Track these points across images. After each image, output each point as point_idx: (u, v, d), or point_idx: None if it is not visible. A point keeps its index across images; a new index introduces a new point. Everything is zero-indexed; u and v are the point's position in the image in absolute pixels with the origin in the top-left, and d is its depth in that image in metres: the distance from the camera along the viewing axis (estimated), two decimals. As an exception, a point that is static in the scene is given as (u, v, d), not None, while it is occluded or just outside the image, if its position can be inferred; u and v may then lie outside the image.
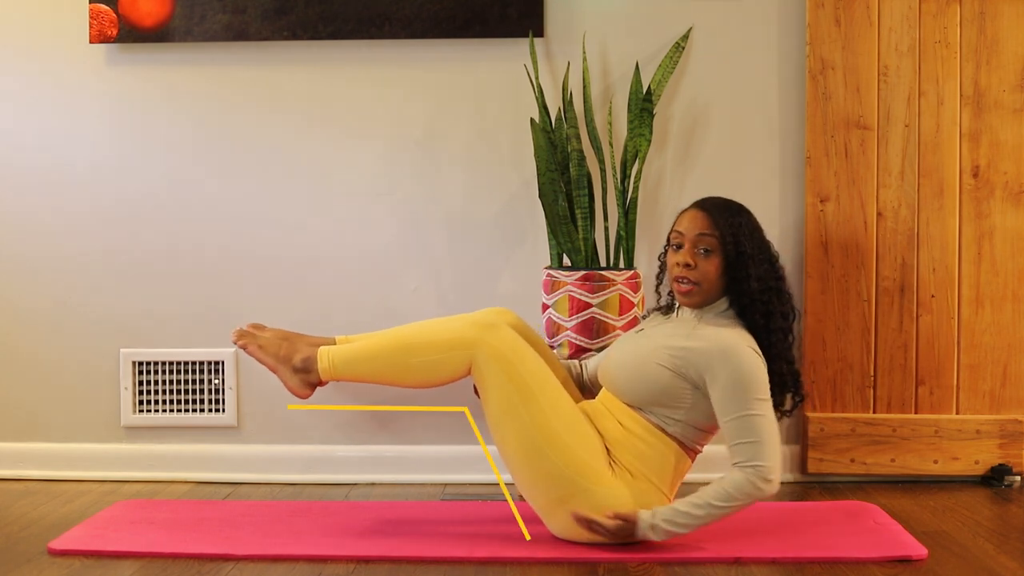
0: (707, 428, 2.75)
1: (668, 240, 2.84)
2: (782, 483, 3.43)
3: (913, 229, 3.43)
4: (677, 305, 2.90)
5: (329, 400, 3.50)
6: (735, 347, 2.69)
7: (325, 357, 2.82)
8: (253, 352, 2.88)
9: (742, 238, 2.74)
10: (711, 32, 3.45)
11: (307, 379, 2.85)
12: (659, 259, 2.94)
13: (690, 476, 2.90)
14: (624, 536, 2.68)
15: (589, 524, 2.68)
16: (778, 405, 2.83)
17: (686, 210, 2.83)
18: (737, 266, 2.74)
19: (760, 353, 2.72)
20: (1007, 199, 3.43)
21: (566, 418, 2.73)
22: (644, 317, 3.02)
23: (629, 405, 2.77)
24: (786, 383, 2.80)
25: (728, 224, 2.75)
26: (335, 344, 2.90)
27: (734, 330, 2.73)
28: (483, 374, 2.76)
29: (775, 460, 2.65)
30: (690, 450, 2.77)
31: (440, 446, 3.50)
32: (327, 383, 2.87)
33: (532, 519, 2.87)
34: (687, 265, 2.76)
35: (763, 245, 2.79)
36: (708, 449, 2.85)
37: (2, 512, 3.14)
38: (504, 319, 2.87)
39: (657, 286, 2.99)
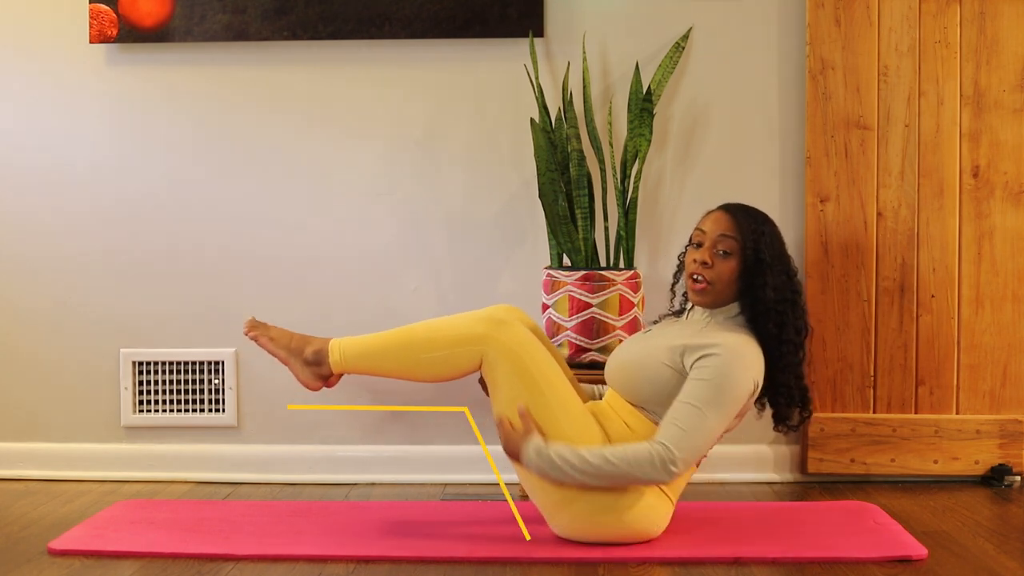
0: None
1: (690, 239, 2.84)
2: (782, 483, 3.44)
3: (913, 229, 3.43)
4: (688, 308, 2.91)
5: (330, 399, 3.50)
6: (740, 354, 2.68)
7: (336, 350, 2.84)
8: (264, 344, 2.90)
9: (763, 246, 2.75)
10: (711, 32, 3.45)
11: (318, 372, 2.86)
12: (679, 258, 2.95)
13: (694, 476, 2.89)
14: (511, 445, 2.68)
15: (499, 423, 2.71)
16: (784, 419, 2.83)
17: (712, 211, 2.84)
18: (754, 273, 2.75)
19: (758, 381, 2.72)
20: (1007, 199, 3.43)
21: (574, 417, 2.73)
22: (655, 322, 3.01)
23: (632, 404, 2.77)
24: (793, 397, 2.80)
25: (751, 230, 2.76)
26: (328, 342, 2.89)
27: (743, 337, 2.73)
28: (493, 370, 2.76)
29: (687, 459, 2.63)
30: (695, 453, 2.77)
31: (440, 446, 3.50)
32: (338, 377, 2.88)
33: (533, 519, 2.87)
34: (704, 263, 2.77)
35: (783, 258, 2.79)
36: (712, 450, 2.84)
37: (2, 512, 3.14)
38: (513, 316, 2.87)
39: (672, 285, 2.99)
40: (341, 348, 2.84)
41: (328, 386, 2.91)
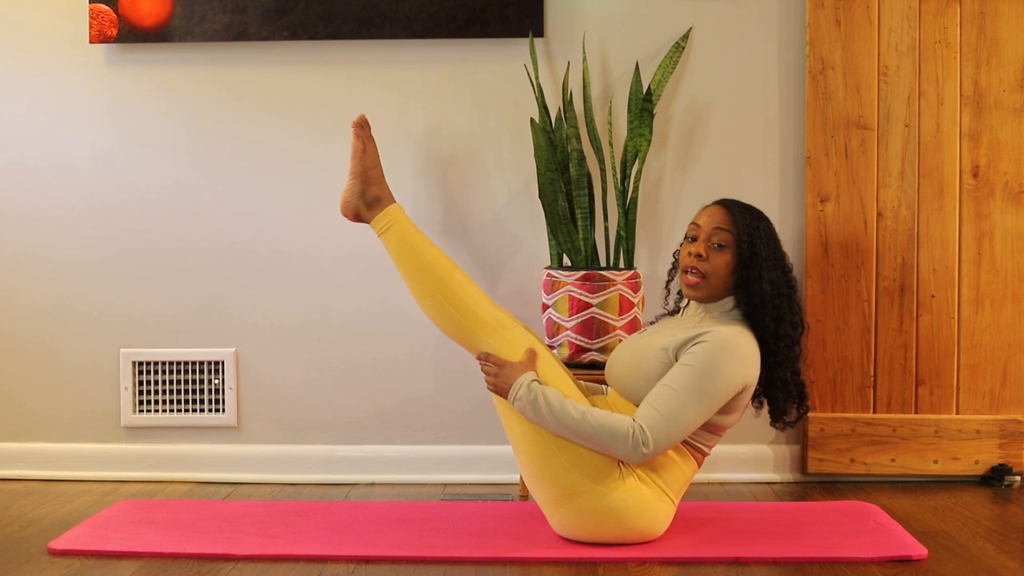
0: (714, 428, 2.74)
1: (685, 235, 2.84)
2: (782, 483, 3.44)
3: (913, 229, 3.43)
4: (684, 306, 2.91)
5: (330, 398, 3.50)
6: (732, 346, 2.68)
7: (389, 217, 2.96)
8: (358, 146, 3.02)
9: (757, 240, 2.75)
10: (711, 32, 3.45)
11: (361, 210, 3.00)
12: (673, 255, 2.95)
13: (696, 476, 2.89)
14: (505, 372, 2.70)
15: (486, 357, 2.75)
16: (782, 414, 2.83)
17: (707, 206, 2.85)
18: (749, 266, 2.75)
19: (749, 381, 2.71)
20: (1007, 199, 3.43)
21: None
22: (652, 323, 3.01)
23: (634, 404, 2.77)
24: (790, 392, 2.80)
25: (746, 224, 2.76)
26: (394, 204, 3.00)
27: (738, 329, 2.73)
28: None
29: (660, 443, 2.62)
30: (696, 451, 2.76)
31: (440, 446, 3.50)
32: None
33: (534, 518, 2.87)
34: (698, 256, 2.77)
35: (778, 253, 2.80)
36: (713, 450, 2.84)
37: (2, 512, 3.14)
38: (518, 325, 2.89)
39: (667, 282, 2.99)
40: (393, 220, 2.95)
41: (354, 221, 3.03)
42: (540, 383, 2.68)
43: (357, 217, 3.02)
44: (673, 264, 2.95)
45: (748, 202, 2.86)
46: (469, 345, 2.84)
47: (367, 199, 2.99)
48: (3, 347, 3.54)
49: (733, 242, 2.77)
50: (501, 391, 2.71)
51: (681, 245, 2.87)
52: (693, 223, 2.83)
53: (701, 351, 2.66)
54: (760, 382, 2.79)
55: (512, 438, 2.78)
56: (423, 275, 2.89)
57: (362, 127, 3.04)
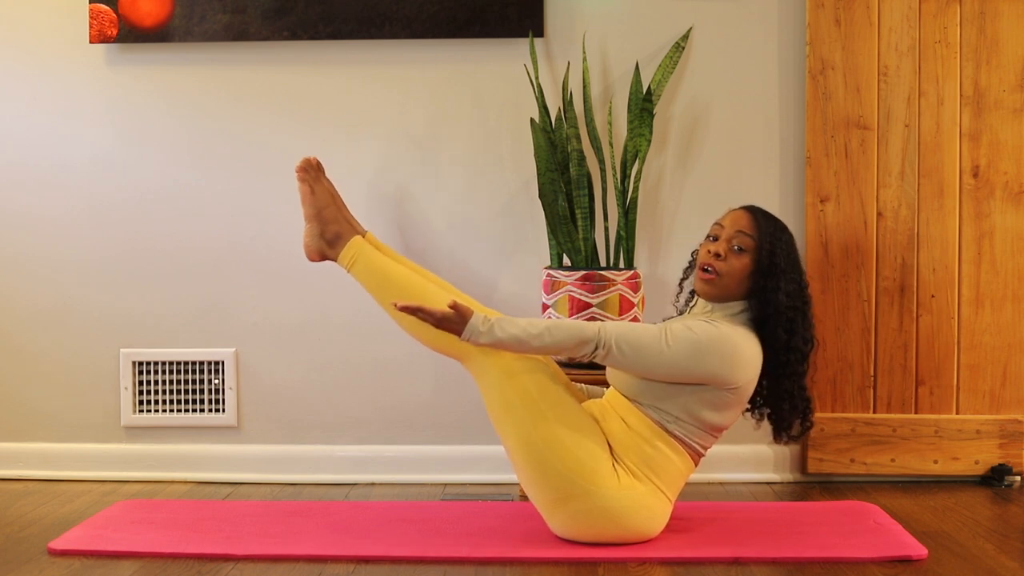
0: (708, 427, 2.74)
1: (708, 234, 2.85)
2: (782, 483, 3.45)
3: (913, 229, 3.43)
4: (691, 305, 2.91)
5: (330, 398, 3.50)
6: (733, 343, 2.68)
7: (353, 251, 2.96)
8: (305, 191, 3.03)
9: (778, 250, 2.75)
10: (711, 32, 3.45)
11: (324, 250, 3.03)
12: (692, 254, 2.94)
13: (694, 476, 2.89)
14: (449, 327, 2.68)
15: (414, 311, 2.69)
16: (786, 427, 2.83)
17: (733, 209, 2.85)
18: (767, 274, 2.74)
19: (747, 379, 2.70)
20: (1007, 199, 3.43)
21: (567, 419, 2.73)
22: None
23: (630, 399, 2.77)
24: (796, 406, 2.80)
25: (769, 232, 2.77)
26: (364, 236, 3.04)
27: (746, 334, 2.73)
28: (482, 375, 2.78)
29: (612, 358, 2.66)
30: (693, 451, 2.76)
31: (440, 446, 3.50)
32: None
33: (533, 518, 2.87)
34: (717, 255, 2.77)
35: (797, 267, 2.80)
36: (712, 450, 2.84)
37: (2, 512, 3.14)
38: None
39: (681, 280, 2.99)
40: (357, 253, 2.96)
41: (320, 261, 3.06)
42: (491, 323, 2.66)
43: (322, 257, 3.04)
44: (690, 263, 2.95)
45: (733, 199, 2.86)
46: (459, 356, 2.84)
47: (327, 238, 3.01)
48: (3, 347, 3.54)
49: (753, 248, 2.77)
50: (452, 330, 2.69)
51: (701, 244, 2.87)
52: (717, 223, 2.83)
53: (707, 331, 2.67)
54: (764, 393, 2.79)
55: (506, 442, 2.78)
56: (396, 298, 2.87)
57: (305, 170, 3.04)
